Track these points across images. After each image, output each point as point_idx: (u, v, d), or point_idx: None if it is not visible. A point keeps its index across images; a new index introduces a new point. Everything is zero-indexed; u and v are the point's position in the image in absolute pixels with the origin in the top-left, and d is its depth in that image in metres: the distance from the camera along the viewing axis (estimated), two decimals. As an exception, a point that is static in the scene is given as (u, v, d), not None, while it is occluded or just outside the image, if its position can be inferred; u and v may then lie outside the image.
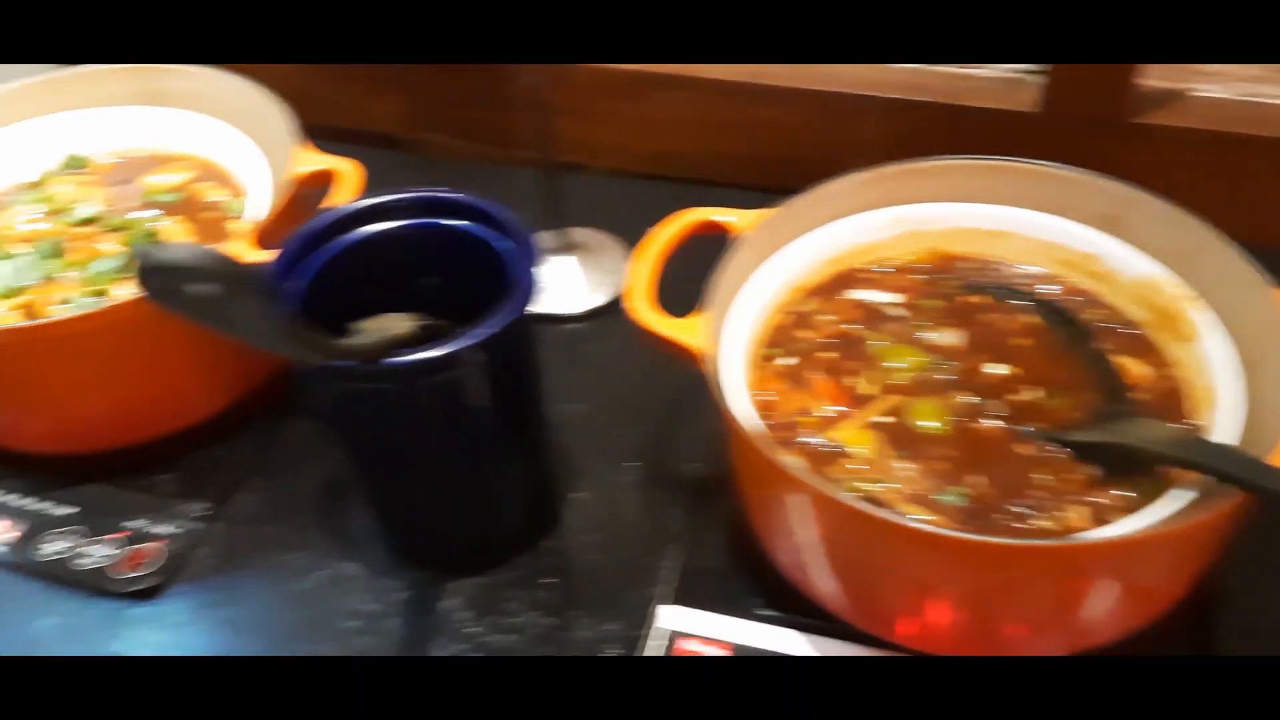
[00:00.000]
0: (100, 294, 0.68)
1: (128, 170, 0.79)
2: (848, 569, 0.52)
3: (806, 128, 0.86)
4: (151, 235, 0.71)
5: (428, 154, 0.98)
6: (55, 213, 0.74)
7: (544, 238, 0.79)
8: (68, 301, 0.67)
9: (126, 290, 0.68)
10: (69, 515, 0.67)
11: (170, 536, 0.65)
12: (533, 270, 0.53)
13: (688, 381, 0.54)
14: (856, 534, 0.49)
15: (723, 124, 0.88)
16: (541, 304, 0.59)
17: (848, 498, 0.48)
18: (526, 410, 0.60)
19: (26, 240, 0.72)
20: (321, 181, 0.69)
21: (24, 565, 0.64)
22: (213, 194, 0.76)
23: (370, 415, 0.56)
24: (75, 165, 0.79)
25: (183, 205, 0.75)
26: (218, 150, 0.78)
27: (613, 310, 0.77)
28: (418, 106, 0.97)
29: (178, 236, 0.72)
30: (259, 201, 0.74)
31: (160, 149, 0.80)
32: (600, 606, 0.59)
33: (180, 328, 0.56)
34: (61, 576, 0.63)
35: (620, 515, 0.63)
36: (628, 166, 0.91)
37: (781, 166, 0.86)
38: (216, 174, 0.78)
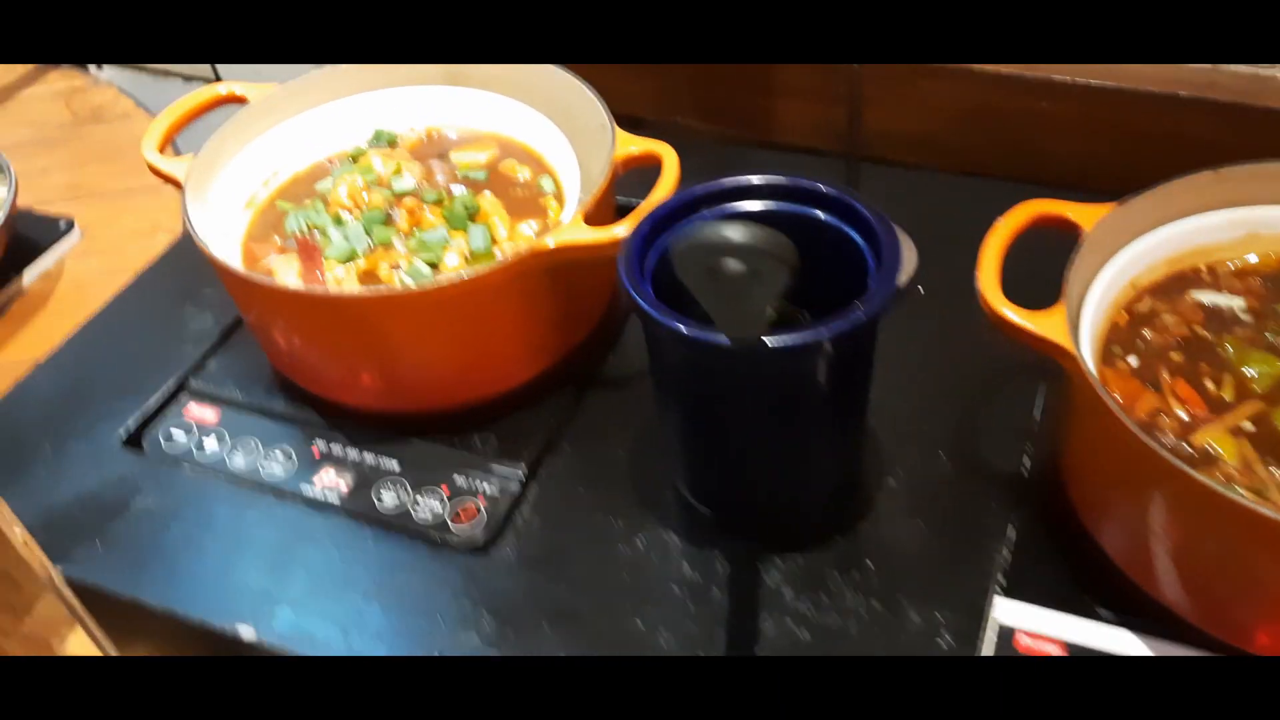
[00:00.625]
0: (433, 263, 0.71)
1: (433, 146, 0.83)
2: (1219, 571, 0.51)
3: (1082, 122, 0.85)
4: (471, 208, 0.75)
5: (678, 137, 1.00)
6: (374, 184, 0.78)
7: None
8: (397, 267, 0.71)
9: (453, 258, 0.72)
10: (391, 469, 0.71)
11: (488, 495, 0.68)
12: (899, 269, 0.54)
13: (991, 370, 0.53)
14: (1247, 535, 0.48)
15: (998, 114, 0.88)
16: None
17: (1248, 498, 0.47)
18: (858, 393, 0.61)
19: (348, 209, 0.76)
20: (640, 163, 0.71)
21: (364, 514, 0.68)
22: (519, 171, 0.79)
23: (720, 388, 0.57)
24: (385, 140, 0.83)
25: (492, 181, 0.79)
26: (519, 129, 0.81)
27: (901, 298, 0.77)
28: (668, 88, 0.99)
29: (496, 211, 0.75)
30: (570, 180, 0.77)
31: (463, 126, 0.83)
32: (927, 595, 0.59)
33: (512, 300, 0.59)
34: (406, 527, 0.67)
35: (937, 504, 0.64)
36: (896, 156, 0.91)
37: (1054, 162, 0.86)
38: (518, 152, 0.81)
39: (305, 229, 0.75)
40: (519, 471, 0.69)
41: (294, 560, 0.66)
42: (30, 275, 1.00)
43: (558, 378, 0.74)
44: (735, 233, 0.40)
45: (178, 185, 0.73)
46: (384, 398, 0.72)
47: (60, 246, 1.03)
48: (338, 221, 0.74)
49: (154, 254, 1.02)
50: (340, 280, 0.71)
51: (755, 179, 0.59)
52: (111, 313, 0.85)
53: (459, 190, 0.77)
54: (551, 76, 0.78)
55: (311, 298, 0.66)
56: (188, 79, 1.36)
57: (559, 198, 0.77)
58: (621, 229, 0.65)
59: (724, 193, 0.60)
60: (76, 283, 1.00)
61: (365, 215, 0.75)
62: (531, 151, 0.80)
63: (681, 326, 0.51)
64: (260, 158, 0.80)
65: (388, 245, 0.74)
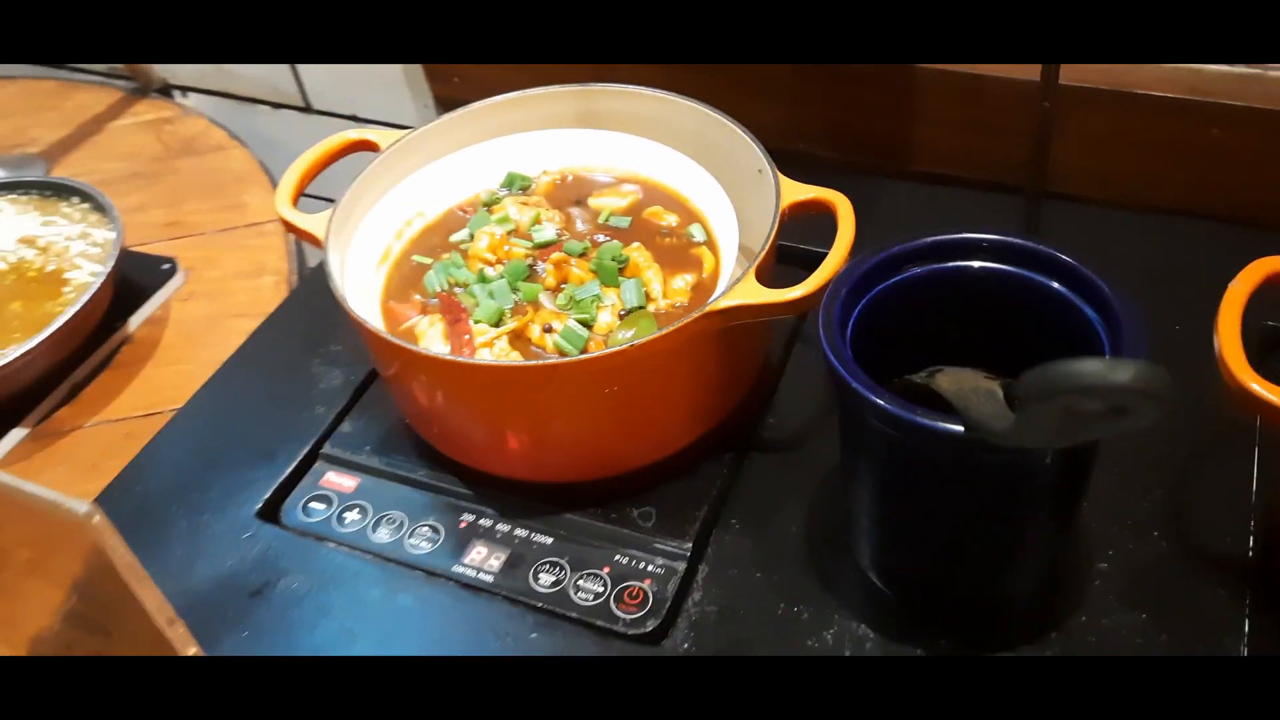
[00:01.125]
0: (587, 322, 0.67)
1: (569, 191, 0.78)
2: None
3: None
4: (620, 261, 0.70)
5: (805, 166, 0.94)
6: (513, 234, 0.74)
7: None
8: (550, 329, 0.67)
9: (606, 316, 0.67)
10: (547, 545, 0.66)
11: (653, 576, 0.64)
12: (1143, 351, 0.49)
13: (1201, 435, 0.48)
14: None
15: (1161, 144, 0.82)
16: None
17: None
18: (1081, 479, 0.55)
19: (489, 263, 0.72)
20: (806, 211, 0.67)
21: (521, 596, 0.63)
22: (665, 217, 0.74)
23: (940, 477, 0.52)
24: (518, 185, 0.78)
25: (636, 229, 0.74)
26: (661, 171, 0.77)
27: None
28: (799, 116, 0.94)
29: (647, 264, 0.70)
30: (723, 227, 0.72)
31: (599, 167, 0.79)
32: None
33: (679, 364, 0.62)
34: (566, 613, 0.62)
35: (1159, 593, 0.58)
36: (1072, 190, 0.85)
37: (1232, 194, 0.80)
38: (662, 196, 0.76)
39: (446, 286, 0.71)
40: (685, 549, 0.64)
41: (451, 648, 0.62)
42: (136, 321, 0.96)
43: (715, 443, 0.69)
44: (1123, 374, 0.35)
45: (316, 242, 0.69)
46: (536, 468, 0.67)
47: (165, 290, 0.99)
48: (482, 279, 0.70)
49: (261, 297, 0.98)
50: (491, 343, 0.67)
51: (978, 236, 0.54)
52: (233, 369, 0.82)
53: (604, 240, 0.73)
54: (695, 115, 0.73)
55: (473, 368, 0.61)
56: (276, 106, 1.33)
57: (712, 246, 0.72)
58: (800, 290, 0.60)
59: (936, 250, 0.55)
60: (183, 328, 0.97)
61: (508, 269, 0.70)
62: (676, 195, 0.76)
63: (926, 421, 0.46)
64: (395, 208, 0.75)
65: (535, 303, 0.69)
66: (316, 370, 0.79)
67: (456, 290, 0.71)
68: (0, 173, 1.13)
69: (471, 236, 0.74)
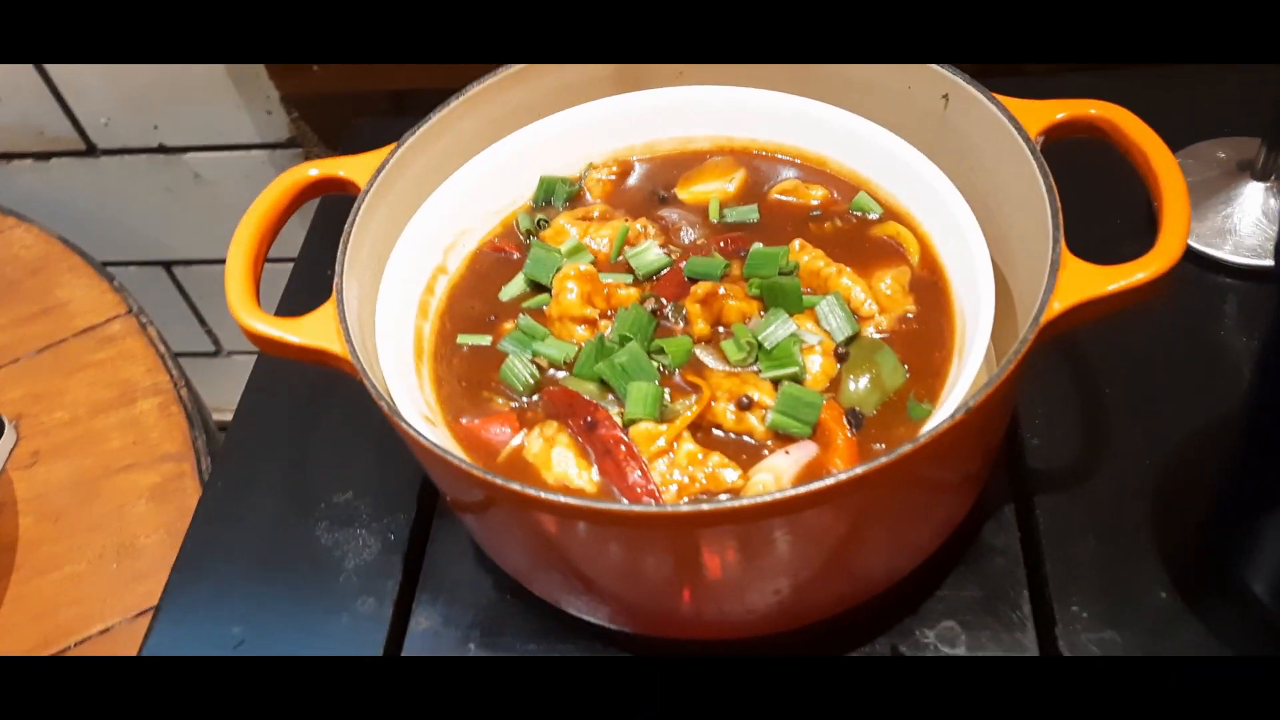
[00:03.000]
0: (797, 377, 0.43)
1: (639, 186, 0.53)
2: None
3: None
4: (789, 270, 0.47)
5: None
6: (602, 270, 0.49)
7: None
8: (752, 404, 0.43)
9: (818, 361, 0.44)
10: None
11: None
12: None
13: None
14: None
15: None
16: None
17: None
18: None
19: (589, 320, 0.47)
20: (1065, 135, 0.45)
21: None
22: (809, 192, 0.51)
23: None
24: (561, 195, 0.53)
25: (777, 219, 0.50)
26: (766, 128, 0.53)
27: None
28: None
29: (829, 268, 0.47)
30: (913, 183, 0.50)
31: (668, 140, 0.54)
32: None
33: (998, 414, 0.40)
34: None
35: None
36: None
37: None
38: (786, 164, 0.53)
39: (537, 375, 0.46)
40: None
41: None
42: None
43: (980, 503, 0.48)
44: None
45: (328, 361, 0.42)
46: (751, 623, 0.44)
47: (-7, 458, 0.67)
48: (600, 351, 0.45)
49: (151, 435, 0.68)
50: (667, 449, 0.42)
51: None
52: (194, 565, 0.53)
53: (742, 250, 0.49)
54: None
55: (743, 511, 0.36)
56: (42, 157, 0.97)
57: (902, 218, 0.49)
58: (1156, 265, 0.39)
59: None
60: (45, 509, 0.66)
61: (623, 324, 0.46)
62: (809, 157, 0.52)
63: None
64: (409, 271, 0.49)
65: (692, 365, 0.45)
66: (329, 539, 0.52)
67: (557, 377, 0.46)
68: None
69: (533, 286, 0.49)
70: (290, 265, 0.66)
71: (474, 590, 0.49)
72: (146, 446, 0.68)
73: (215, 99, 0.90)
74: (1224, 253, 0.56)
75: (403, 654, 0.48)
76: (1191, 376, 0.52)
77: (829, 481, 0.35)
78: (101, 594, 0.61)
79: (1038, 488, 0.49)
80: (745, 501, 0.35)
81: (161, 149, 0.95)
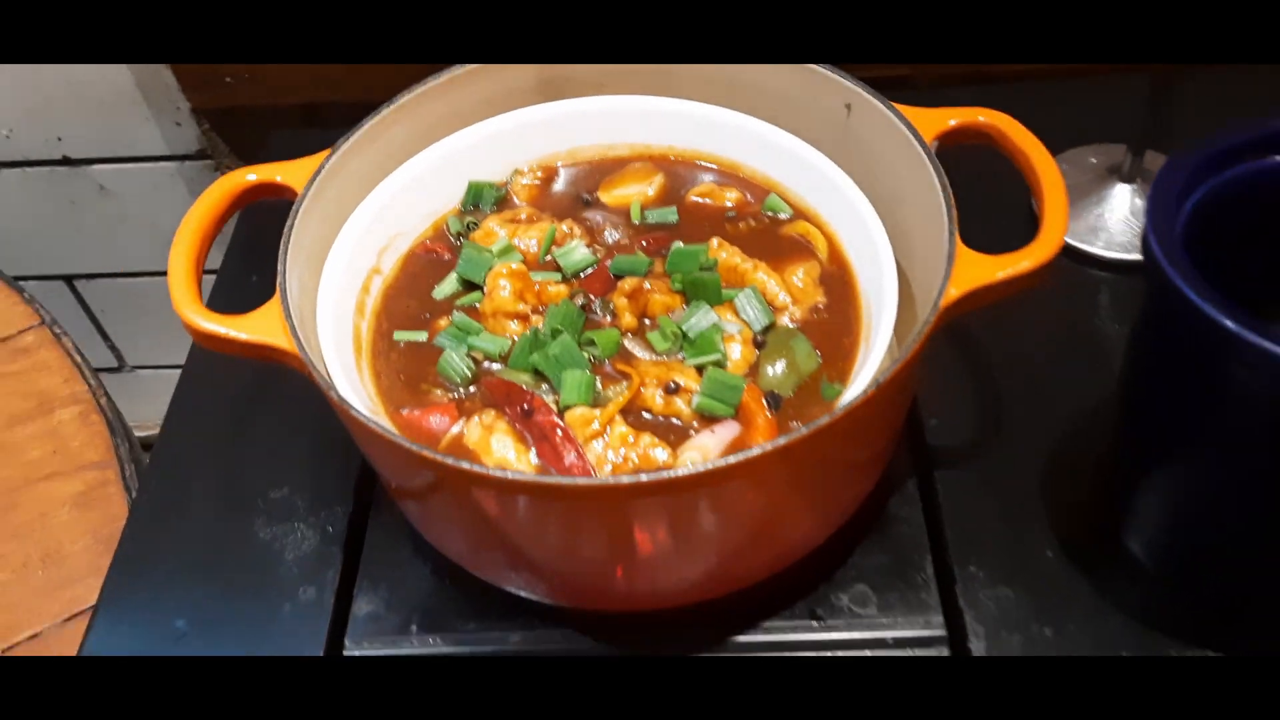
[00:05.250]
0: (720, 363, 0.47)
1: (564, 191, 0.56)
2: None
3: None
4: (708, 266, 0.50)
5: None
6: (532, 268, 0.51)
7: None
8: (679, 389, 0.46)
9: (738, 350, 0.48)
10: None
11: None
12: None
13: None
14: None
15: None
16: None
17: None
18: None
19: (521, 316, 0.50)
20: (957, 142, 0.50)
21: None
22: (723, 195, 0.55)
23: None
24: (488, 199, 0.56)
25: (695, 221, 0.54)
26: (681, 135, 0.57)
27: None
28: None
29: (745, 264, 0.51)
30: (817, 189, 0.54)
31: (585, 148, 0.57)
32: None
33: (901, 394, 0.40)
34: None
35: None
36: None
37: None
38: (701, 168, 0.56)
39: (473, 367, 0.48)
40: (937, 625, 0.48)
41: None
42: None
43: (885, 478, 0.52)
44: None
45: (279, 357, 0.44)
46: (706, 585, 0.47)
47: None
48: (535, 342, 0.48)
49: (71, 444, 0.68)
50: (602, 431, 0.45)
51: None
52: (127, 571, 0.53)
53: (662, 249, 0.52)
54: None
55: (697, 479, 0.39)
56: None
57: (810, 219, 0.53)
58: (1041, 254, 0.44)
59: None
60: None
61: (554, 318, 0.48)
62: (721, 162, 0.56)
63: None
64: (346, 271, 0.50)
65: (621, 356, 0.48)
66: (268, 534, 0.53)
67: (493, 369, 0.48)
68: None
69: (466, 285, 0.51)
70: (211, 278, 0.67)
71: (414, 576, 0.51)
72: (68, 455, 0.67)
73: (121, 110, 0.89)
74: (1097, 248, 0.62)
75: (346, 639, 0.49)
76: (1072, 361, 0.57)
77: (755, 452, 0.39)
78: (28, 601, 0.60)
79: (937, 464, 0.53)
80: (681, 472, 0.39)
81: (65, 161, 0.94)
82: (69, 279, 1.06)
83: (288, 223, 0.48)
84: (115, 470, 0.66)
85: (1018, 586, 0.49)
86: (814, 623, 0.48)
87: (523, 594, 0.48)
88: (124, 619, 0.51)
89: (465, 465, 0.39)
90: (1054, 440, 0.54)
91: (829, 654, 0.48)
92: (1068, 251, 0.62)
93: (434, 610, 0.50)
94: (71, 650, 0.52)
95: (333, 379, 0.45)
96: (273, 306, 0.44)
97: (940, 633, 0.48)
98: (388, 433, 0.40)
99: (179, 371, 0.62)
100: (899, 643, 0.48)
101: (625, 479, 0.39)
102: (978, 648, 0.47)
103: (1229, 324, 0.37)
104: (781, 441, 0.39)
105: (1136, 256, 0.61)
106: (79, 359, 0.73)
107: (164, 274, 1.06)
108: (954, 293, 0.43)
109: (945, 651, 0.48)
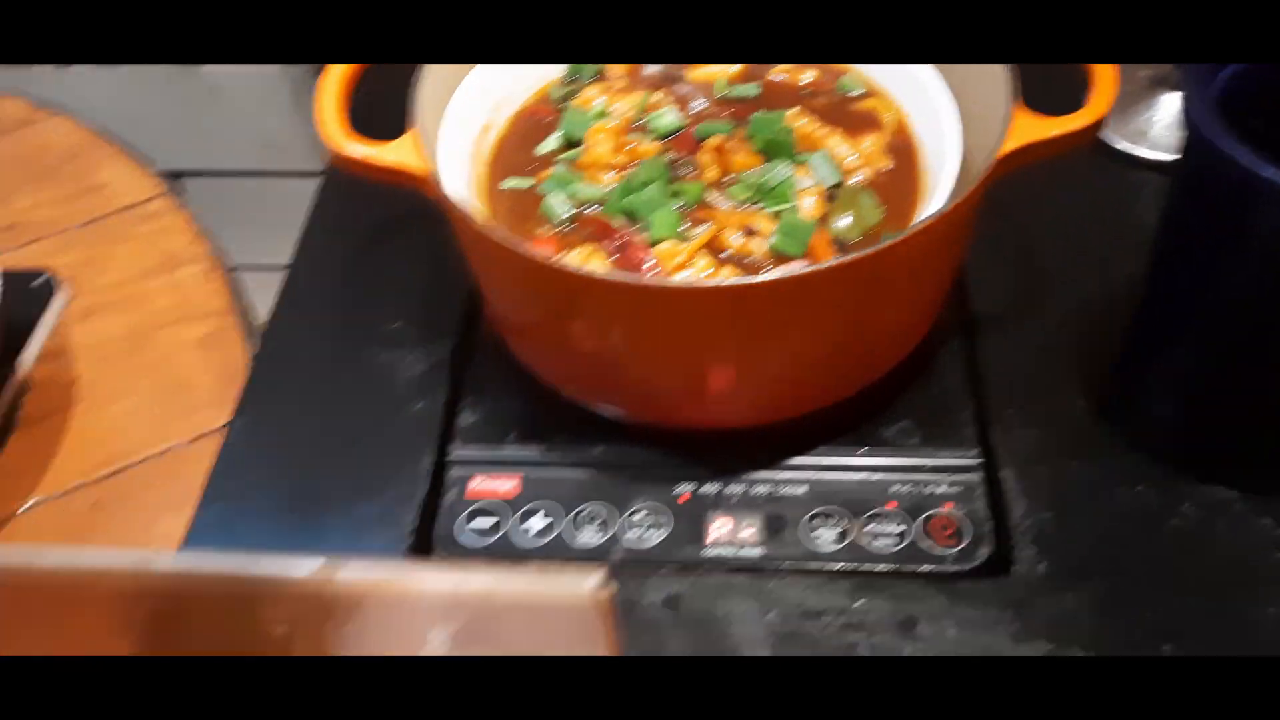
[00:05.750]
0: (789, 209, 0.53)
1: (646, 73, 0.62)
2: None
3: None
4: (784, 133, 0.56)
5: None
6: (626, 129, 0.58)
7: None
8: (751, 231, 0.52)
9: (810, 202, 0.54)
10: (803, 496, 0.53)
11: (953, 498, 0.53)
12: None
13: None
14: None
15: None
16: None
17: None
18: None
19: (617, 168, 0.56)
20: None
21: (808, 560, 0.51)
22: (799, 75, 0.61)
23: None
24: (588, 72, 0.62)
25: (774, 96, 0.60)
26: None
27: None
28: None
29: (819, 130, 0.57)
30: (888, 70, 0.59)
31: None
32: None
33: (950, 244, 0.50)
34: (870, 566, 0.51)
35: None
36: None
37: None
38: (771, 55, 0.62)
39: (573, 209, 0.55)
40: (973, 457, 0.54)
41: (764, 645, 0.48)
42: (27, 360, 0.71)
43: (935, 329, 0.58)
44: None
45: (409, 181, 0.51)
46: (762, 408, 0.54)
47: (50, 312, 0.74)
48: (626, 189, 0.54)
49: (194, 296, 0.75)
50: (686, 263, 0.51)
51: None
52: (266, 386, 0.61)
53: (740, 118, 0.58)
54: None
55: (744, 290, 0.45)
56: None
57: (878, 95, 0.59)
58: (1094, 112, 0.49)
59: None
60: (101, 356, 0.73)
61: (645, 172, 0.55)
62: (798, 51, 0.62)
63: None
64: (465, 121, 0.57)
65: (703, 204, 0.54)
66: (385, 359, 0.60)
67: (589, 212, 0.55)
68: None
69: (570, 143, 0.58)
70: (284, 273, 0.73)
71: (510, 396, 0.58)
72: (192, 304, 0.75)
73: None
74: (1142, 150, 0.67)
75: (451, 445, 0.56)
76: (1112, 245, 0.62)
77: (829, 263, 0.45)
78: (160, 422, 0.68)
79: (981, 325, 0.59)
80: (758, 279, 0.45)
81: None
82: (175, 174, 1.14)
83: (414, 75, 0.54)
84: (236, 317, 0.74)
85: (1048, 428, 0.54)
86: (863, 448, 0.54)
87: (605, 412, 0.55)
88: (259, 429, 0.59)
89: (571, 267, 0.46)
90: (1089, 309, 0.59)
91: (872, 477, 0.54)
92: (1114, 154, 0.67)
93: (529, 424, 0.56)
94: (198, 464, 0.60)
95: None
96: (407, 139, 0.51)
97: (976, 461, 0.54)
98: (506, 239, 0.47)
99: (275, 273, 0.68)
100: (937, 469, 0.54)
101: (706, 282, 0.45)
102: (1008, 475, 0.53)
103: (1262, 172, 0.42)
104: (850, 256, 0.45)
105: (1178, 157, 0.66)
106: (201, 226, 0.81)
107: (269, 174, 1.14)
108: (1011, 145, 0.49)
109: (980, 477, 0.53)
